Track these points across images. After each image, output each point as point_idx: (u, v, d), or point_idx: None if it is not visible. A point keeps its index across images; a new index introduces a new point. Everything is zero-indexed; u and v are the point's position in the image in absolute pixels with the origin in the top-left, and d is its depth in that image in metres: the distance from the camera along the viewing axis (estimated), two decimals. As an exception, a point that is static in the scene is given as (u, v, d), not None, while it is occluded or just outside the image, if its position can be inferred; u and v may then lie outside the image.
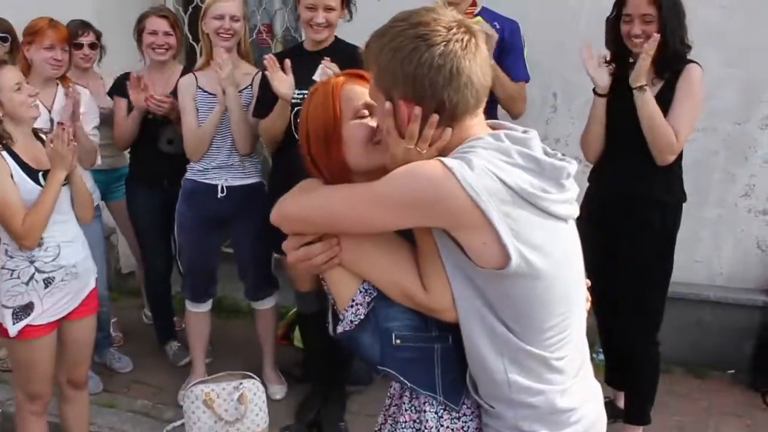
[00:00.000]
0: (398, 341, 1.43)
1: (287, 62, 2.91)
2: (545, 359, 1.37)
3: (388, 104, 1.31)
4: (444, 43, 1.25)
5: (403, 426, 1.50)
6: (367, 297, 1.43)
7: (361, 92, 1.45)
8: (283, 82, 2.90)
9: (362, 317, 1.43)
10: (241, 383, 2.98)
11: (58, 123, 2.76)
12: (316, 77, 2.75)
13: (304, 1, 2.91)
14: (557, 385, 1.39)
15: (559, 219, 1.32)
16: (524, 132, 1.37)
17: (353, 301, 1.44)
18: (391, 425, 1.54)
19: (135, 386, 3.65)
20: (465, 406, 1.47)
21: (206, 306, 3.51)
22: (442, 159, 1.26)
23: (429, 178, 1.25)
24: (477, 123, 1.36)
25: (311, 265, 1.43)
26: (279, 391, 3.51)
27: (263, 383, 3.12)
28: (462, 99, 1.28)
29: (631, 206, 2.83)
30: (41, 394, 2.69)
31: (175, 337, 3.98)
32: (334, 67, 2.74)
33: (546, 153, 1.35)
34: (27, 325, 2.55)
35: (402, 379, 1.46)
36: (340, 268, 1.43)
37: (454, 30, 1.27)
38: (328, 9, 2.90)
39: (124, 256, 4.83)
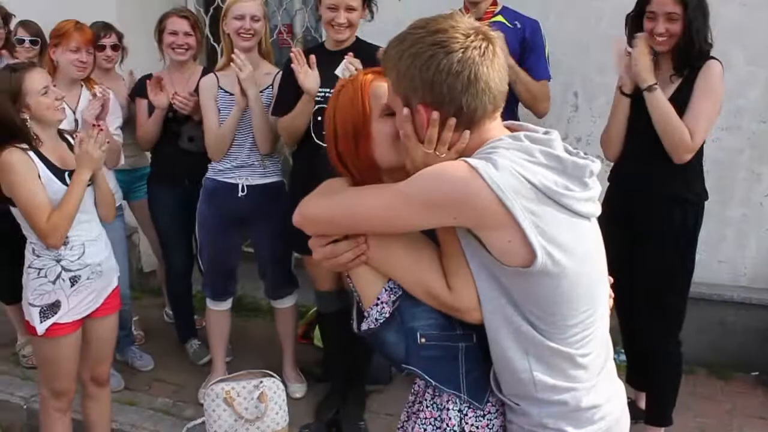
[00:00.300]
0: (423, 340, 1.44)
1: (312, 58, 2.92)
2: (571, 356, 1.37)
3: (405, 110, 1.33)
4: (462, 50, 1.27)
5: (424, 422, 1.51)
6: (392, 296, 1.45)
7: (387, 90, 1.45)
8: (309, 76, 2.91)
9: (387, 316, 1.45)
10: (261, 382, 2.99)
11: (93, 124, 2.79)
12: (338, 72, 2.76)
13: (325, 1, 2.92)
14: (582, 382, 1.40)
15: (583, 217, 1.33)
16: (545, 133, 1.38)
17: (378, 299, 1.45)
18: (414, 422, 1.55)
19: (156, 384, 3.68)
20: (489, 404, 1.48)
21: (227, 304, 3.52)
22: (467, 159, 1.27)
23: (455, 178, 1.26)
24: (495, 126, 1.37)
25: (337, 263, 1.43)
26: (299, 390, 3.52)
27: (283, 382, 3.13)
28: (480, 104, 1.30)
29: (651, 205, 2.81)
30: (66, 391, 2.73)
31: (196, 336, 4.00)
32: (357, 63, 2.75)
33: (568, 152, 1.35)
34: (54, 324, 2.59)
35: (426, 377, 1.47)
36: (365, 267, 1.44)
37: (472, 37, 1.29)
38: (350, 9, 2.90)
39: (146, 255, 4.87)
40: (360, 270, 1.45)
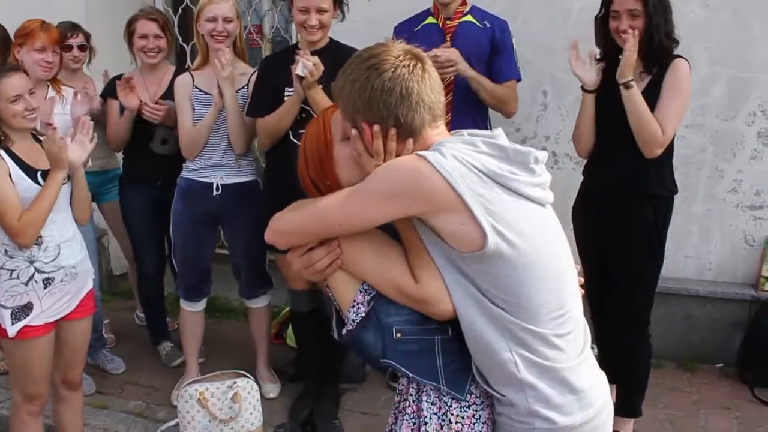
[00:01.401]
0: (399, 335, 1.50)
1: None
2: (545, 336, 1.42)
3: (354, 131, 1.47)
4: (392, 69, 1.41)
5: (411, 417, 1.56)
6: (366, 296, 1.52)
7: None
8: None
9: (363, 315, 1.51)
10: (235, 382, 2.99)
11: (47, 124, 2.77)
12: (299, 71, 2.76)
13: (297, 3, 2.92)
14: (562, 363, 1.44)
15: (534, 201, 1.42)
16: (490, 131, 1.50)
17: (354, 301, 1.52)
18: (401, 421, 1.59)
19: (128, 387, 3.65)
20: (474, 396, 1.52)
21: (200, 305, 3.51)
22: (417, 152, 1.40)
23: (405, 167, 1.38)
24: (438, 133, 1.49)
25: (315, 270, 1.51)
26: (273, 389, 3.52)
27: (257, 382, 3.14)
28: (417, 115, 1.43)
29: (622, 200, 2.87)
30: (39, 395, 2.69)
31: (169, 338, 3.98)
32: (314, 59, 2.76)
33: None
34: (25, 326, 2.55)
35: (404, 370, 1.52)
36: (341, 272, 1.53)
37: (401, 57, 1.43)
38: (321, 11, 2.91)
39: (116, 257, 4.83)
40: (336, 276, 1.53)
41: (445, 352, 1.50)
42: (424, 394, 1.52)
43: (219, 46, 3.16)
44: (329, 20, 2.97)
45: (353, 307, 1.52)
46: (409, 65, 1.42)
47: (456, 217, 1.35)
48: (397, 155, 1.45)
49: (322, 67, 2.76)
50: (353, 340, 1.54)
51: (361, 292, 1.52)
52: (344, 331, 1.54)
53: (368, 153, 1.46)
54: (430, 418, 1.51)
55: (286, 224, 1.52)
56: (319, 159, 1.55)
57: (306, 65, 2.75)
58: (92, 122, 2.75)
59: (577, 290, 1.53)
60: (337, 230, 1.47)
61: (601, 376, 1.57)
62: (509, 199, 1.38)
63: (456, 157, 1.36)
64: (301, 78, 2.78)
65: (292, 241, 1.53)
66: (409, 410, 1.56)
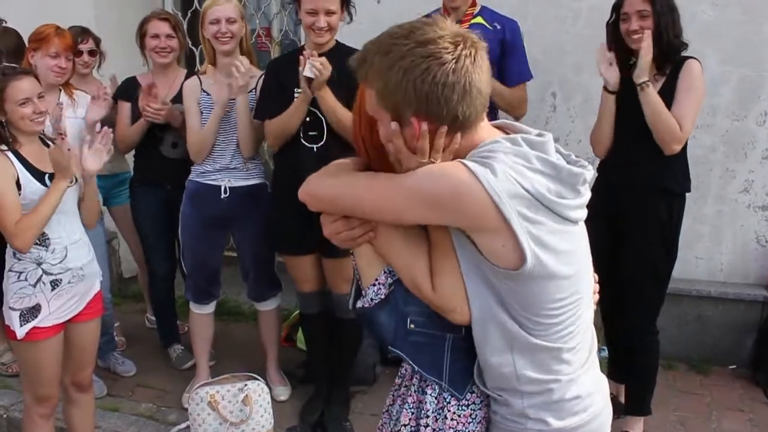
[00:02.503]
0: (412, 326, 1.50)
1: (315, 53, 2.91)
2: (555, 351, 1.41)
3: (394, 124, 1.33)
4: (455, 60, 1.27)
5: (411, 406, 1.57)
6: (390, 278, 1.50)
7: None
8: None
9: (382, 297, 1.50)
10: (245, 385, 2.99)
11: (58, 134, 2.78)
12: (307, 73, 2.75)
13: (305, 6, 2.92)
14: (566, 375, 1.43)
15: (572, 222, 1.36)
16: (539, 135, 1.40)
17: (377, 280, 1.51)
18: (399, 405, 1.60)
19: (139, 390, 3.65)
20: (474, 395, 1.51)
21: (210, 308, 3.51)
22: (466, 162, 1.30)
23: (454, 181, 1.28)
24: (484, 125, 1.40)
25: (346, 237, 1.47)
26: (283, 392, 3.52)
27: (267, 385, 3.14)
28: (474, 110, 1.32)
29: (638, 197, 2.90)
30: (49, 397, 2.70)
31: (179, 341, 3.98)
32: (321, 59, 2.76)
33: (561, 154, 1.40)
34: (34, 327, 2.56)
35: (410, 361, 1.52)
36: (369, 247, 1.49)
37: (461, 45, 1.29)
38: (329, 13, 2.91)
39: (126, 260, 4.84)
40: (363, 249, 1.50)
41: (454, 351, 1.50)
42: (429, 387, 1.52)
43: (225, 48, 3.16)
44: (337, 22, 2.97)
45: (374, 285, 1.51)
46: (471, 54, 1.29)
47: (497, 238, 1.29)
48: (444, 150, 1.35)
49: (329, 67, 2.76)
50: (367, 316, 1.53)
51: (385, 273, 1.50)
52: (359, 303, 1.54)
53: (408, 149, 1.36)
54: (432, 412, 1.51)
55: (321, 190, 1.47)
56: (370, 122, 1.44)
57: (314, 65, 2.74)
58: (112, 134, 2.76)
59: (591, 304, 1.51)
60: (368, 215, 1.42)
61: (602, 380, 1.56)
62: (552, 224, 1.32)
63: (508, 176, 1.27)
64: (309, 79, 2.78)
65: (322, 208, 1.48)
66: (410, 399, 1.57)
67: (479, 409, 1.52)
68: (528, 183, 1.29)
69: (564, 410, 1.44)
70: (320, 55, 2.85)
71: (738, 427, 3.28)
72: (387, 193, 1.36)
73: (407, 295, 1.48)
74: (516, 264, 1.30)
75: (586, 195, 1.39)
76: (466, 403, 1.51)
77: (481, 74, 1.31)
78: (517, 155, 1.32)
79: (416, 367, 1.52)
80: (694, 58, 2.82)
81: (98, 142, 2.69)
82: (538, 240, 1.30)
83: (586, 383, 1.47)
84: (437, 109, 1.29)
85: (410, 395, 1.57)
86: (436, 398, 1.52)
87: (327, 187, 1.47)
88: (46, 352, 2.61)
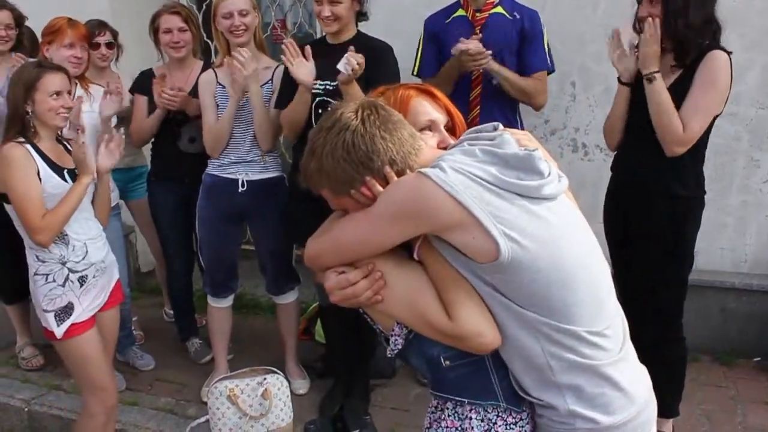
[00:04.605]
0: (448, 362, 1.47)
1: (308, 49, 2.92)
2: (580, 335, 1.38)
3: (357, 195, 1.42)
4: (361, 121, 1.39)
5: (446, 430, 1.52)
6: (404, 329, 1.49)
7: (428, 109, 1.58)
8: (302, 67, 2.91)
9: (400, 347, 1.49)
10: (264, 378, 2.98)
11: (76, 128, 2.81)
12: (340, 67, 2.72)
13: None
14: (601, 360, 1.40)
15: (546, 199, 1.37)
16: (492, 135, 1.46)
17: (393, 331, 1.50)
18: (435, 430, 1.55)
19: (158, 384, 3.66)
20: (524, 411, 1.49)
21: (228, 301, 3.50)
22: (417, 170, 1.37)
23: (407, 187, 1.36)
24: (430, 150, 1.48)
25: (357, 303, 1.48)
26: (302, 385, 3.51)
27: (286, 378, 3.12)
28: (407, 145, 1.41)
29: (641, 197, 2.76)
30: (107, 387, 2.72)
31: (197, 335, 3.98)
32: (359, 57, 2.72)
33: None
34: (72, 324, 2.59)
35: (458, 399, 1.49)
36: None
37: (360, 110, 1.41)
38: (334, 2, 2.89)
39: (143, 254, 4.85)
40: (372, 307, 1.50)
41: (497, 367, 1.46)
42: (473, 411, 1.48)
43: (240, 41, 3.14)
44: (344, 12, 2.93)
45: (392, 336, 1.50)
46: (372, 111, 1.41)
47: (466, 231, 1.32)
48: None
49: (363, 68, 2.74)
50: (400, 358, 1.54)
51: (398, 325, 1.49)
52: (387, 353, 1.54)
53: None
54: None
55: (314, 250, 1.53)
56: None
57: (351, 62, 2.71)
58: (124, 137, 2.80)
59: (610, 283, 1.48)
60: (355, 254, 1.46)
61: (642, 371, 1.52)
62: (518, 203, 1.33)
63: (456, 169, 1.33)
64: (338, 72, 2.74)
65: (319, 264, 1.53)
66: (444, 424, 1.52)
67: (527, 423, 1.48)
68: (480, 171, 1.34)
69: (610, 405, 1.41)
70: (338, 46, 2.82)
71: (764, 421, 3.21)
72: (360, 227, 1.43)
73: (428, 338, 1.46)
74: (493, 254, 1.31)
75: (553, 172, 1.40)
76: (513, 420, 1.47)
77: (389, 120, 1.41)
78: (463, 153, 1.39)
79: (467, 401, 1.48)
80: (723, 49, 2.59)
81: (112, 143, 2.72)
82: (506, 221, 1.31)
83: (628, 372, 1.44)
84: (374, 164, 1.39)
85: (444, 420, 1.53)
86: (481, 421, 1.47)
87: (317, 244, 1.53)
88: (90, 344, 2.65)
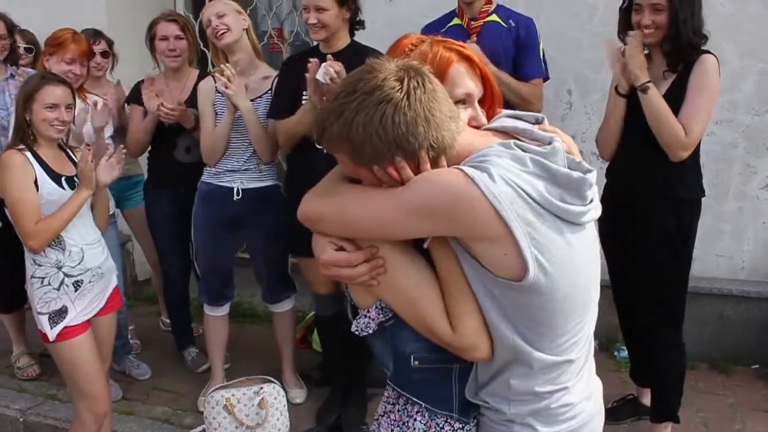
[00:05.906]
0: (417, 363, 1.42)
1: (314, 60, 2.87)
2: (555, 364, 1.35)
3: (380, 173, 1.28)
4: (406, 95, 1.22)
5: (392, 423, 1.51)
6: (381, 316, 1.41)
7: (466, 80, 1.41)
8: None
9: (370, 332, 1.42)
10: (261, 388, 2.97)
11: (86, 145, 2.86)
12: (319, 77, 2.66)
13: (302, 3, 2.92)
14: (560, 385, 1.38)
15: (578, 225, 1.29)
16: (548, 143, 1.32)
17: (368, 312, 1.42)
18: (385, 420, 1.54)
19: (154, 393, 3.64)
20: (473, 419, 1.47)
21: (224, 309, 3.49)
22: (463, 168, 1.23)
23: (450, 187, 1.22)
24: (473, 132, 1.35)
25: (348, 282, 1.39)
26: (299, 395, 3.49)
27: (283, 387, 3.11)
28: (447, 131, 1.26)
29: (642, 203, 2.77)
30: (98, 395, 2.71)
31: (194, 344, 3.97)
32: (337, 66, 2.66)
33: (569, 165, 1.31)
34: (65, 327, 2.62)
35: (415, 399, 1.45)
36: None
37: (406, 78, 1.24)
38: (320, 9, 2.87)
39: (140, 263, 4.84)
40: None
41: (461, 380, 1.43)
42: (418, 414, 1.46)
43: (224, 42, 3.13)
44: (331, 20, 2.90)
45: (365, 317, 1.41)
46: (419, 83, 1.24)
47: (499, 246, 1.22)
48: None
49: (344, 75, 2.71)
50: (363, 338, 1.45)
51: (376, 308, 1.40)
52: (353, 327, 1.44)
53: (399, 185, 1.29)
54: None
55: (314, 211, 1.38)
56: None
57: (329, 72, 2.64)
58: (124, 155, 2.85)
59: (596, 311, 1.43)
60: (363, 236, 1.34)
61: (596, 384, 1.50)
62: (555, 227, 1.24)
63: (506, 179, 1.20)
64: (318, 83, 2.68)
65: (318, 228, 1.38)
66: (392, 416, 1.51)
67: (473, 427, 1.46)
68: (527, 186, 1.22)
69: (552, 417, 1.39)
70: (336, 54, 2.81)
71: (763, 429, 3.21)
72: (381, 207, 1.29)
73: (407, 332, 1.39)
74: (518, 275, 1.23)
75: (595, 199, 1.31)
76: (461, 426, 1.45)
77: (435, 97, 1.25)
78: (512, 158, 1.25)
79: (424, 405, 1.44)
80: (710, 53, 2.64)
81: (113, 157, 2.76)
82: (541, 246, 1.22)
83: (577, 390, 1.41)
84: (410, 147, 1.24)
85: (393, 413, 1.51)
86: (425, 424, 1.45)
87: (320, 207, 1.38)
88: (82, 348, 2.66)
